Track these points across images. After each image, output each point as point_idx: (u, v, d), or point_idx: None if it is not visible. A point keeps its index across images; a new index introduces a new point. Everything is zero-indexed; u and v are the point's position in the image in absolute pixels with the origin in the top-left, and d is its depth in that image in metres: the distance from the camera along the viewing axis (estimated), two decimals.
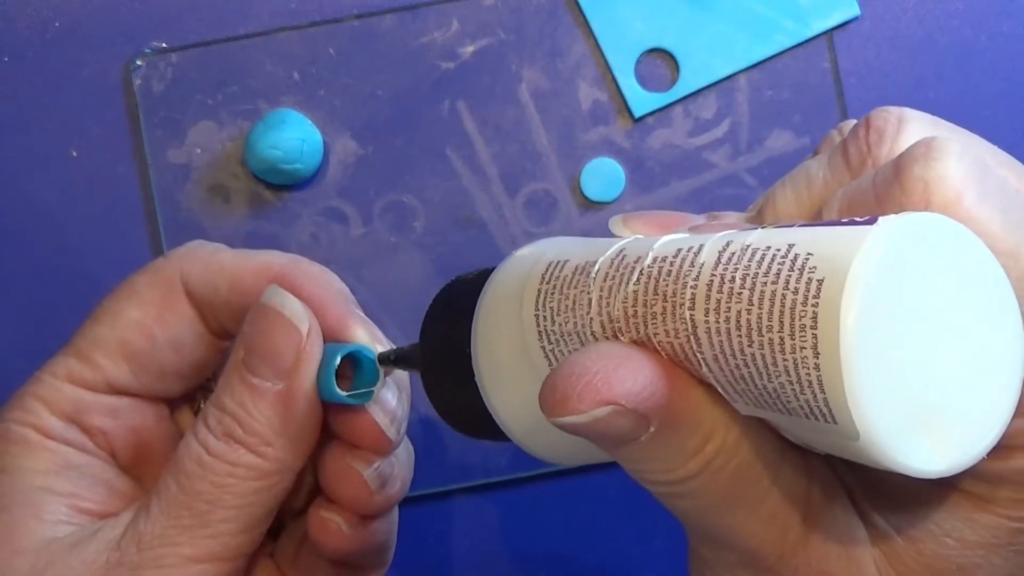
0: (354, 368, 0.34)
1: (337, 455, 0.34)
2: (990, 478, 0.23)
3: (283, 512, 0.34)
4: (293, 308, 0.33)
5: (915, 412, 0.20)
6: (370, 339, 0.34)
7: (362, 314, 0.35)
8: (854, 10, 0.46)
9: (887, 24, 0.47)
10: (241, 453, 0.32)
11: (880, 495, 0.25)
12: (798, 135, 0.46)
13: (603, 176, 0.46)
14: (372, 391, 0.33)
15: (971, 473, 0.21)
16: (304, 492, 0.36)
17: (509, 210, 0.46)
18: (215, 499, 0.32)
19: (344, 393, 0.33)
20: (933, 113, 0.25)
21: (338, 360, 0.33)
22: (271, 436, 0.32)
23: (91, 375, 0.34)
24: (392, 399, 0.34)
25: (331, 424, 0.34)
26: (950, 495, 0.23)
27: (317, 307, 0.33)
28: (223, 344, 0.37)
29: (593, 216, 0.46)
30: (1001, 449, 0.22)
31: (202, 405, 0.38)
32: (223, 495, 0.32)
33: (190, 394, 0.38)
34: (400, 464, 0.35)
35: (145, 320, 0.35)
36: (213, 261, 0.35)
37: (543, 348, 0.26)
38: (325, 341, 0.33)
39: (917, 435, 0.20)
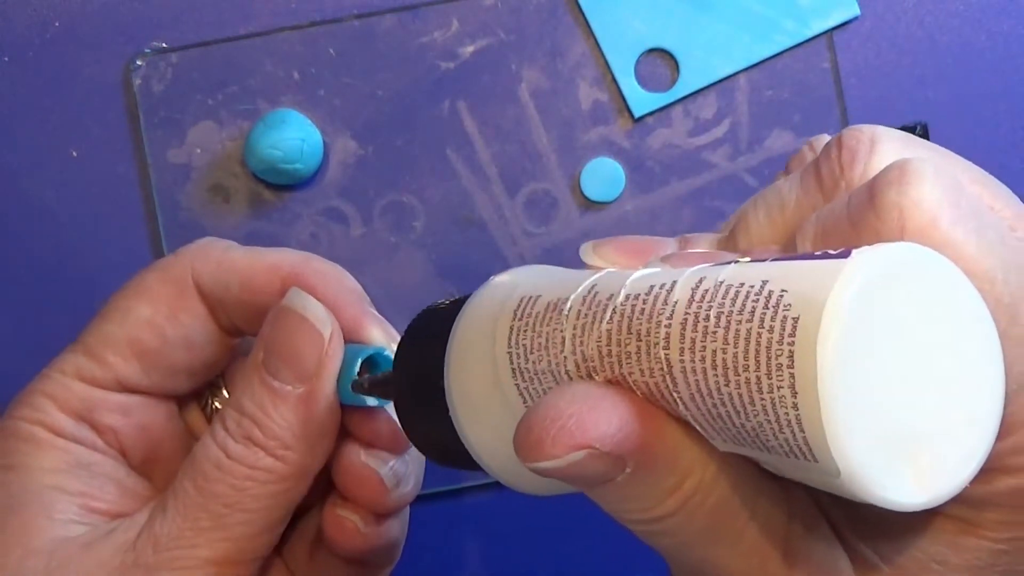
0: (371, 369, 0.33)
1: (352, 454, 0.34)
2: (974, 502, 0.22)
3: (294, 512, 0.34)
4: (315, 312, 0.32)
5: (897, 445, 0.20)
6: (386, 338, 0.34)
7: (376, 313, 0.34)
8: (854, 10, 0.46)
9: (887, 24, 0.47)
10: (260, 456, 0.32)
11: (863, 523, 0.24)
12: (798, 135, 0.46)
13: (603, 176, 0.46)
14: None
15: (955, 498, 0.21)
16: (316, 492, 0.36)
17: (509, 210, 0.46)
18: (233, 502, 0.32)
19: (365, 396, 0.33)
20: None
21: (359, 363, 0.33)
22: (291, 440, 0.32)
23: (101, 373, 0.34)
24: None
25: (346, 424, 0.34)
26: (934, 520, 0.23)
27: (331, 306, 0.33)
28: (233, 342, 0.37)
29: (593, 216, 0.46)
30: (985, 472, 0.21)
31: (210, 402, 0.38)
32: (241, 498, 0.32)
33: (198, 391, 0.37)
34: (414, 462, 0.35)
35: (156, 318, 0.34)
36: (224, 259, 0.35)
37: (517, 386, 0.26)
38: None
39: (899, 468, 0.20)
